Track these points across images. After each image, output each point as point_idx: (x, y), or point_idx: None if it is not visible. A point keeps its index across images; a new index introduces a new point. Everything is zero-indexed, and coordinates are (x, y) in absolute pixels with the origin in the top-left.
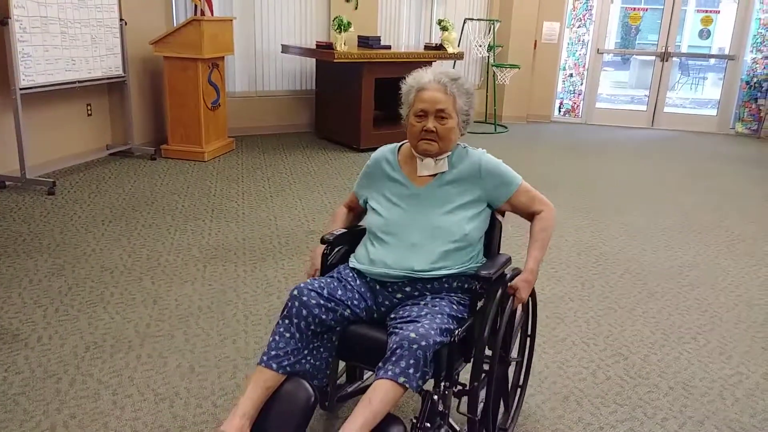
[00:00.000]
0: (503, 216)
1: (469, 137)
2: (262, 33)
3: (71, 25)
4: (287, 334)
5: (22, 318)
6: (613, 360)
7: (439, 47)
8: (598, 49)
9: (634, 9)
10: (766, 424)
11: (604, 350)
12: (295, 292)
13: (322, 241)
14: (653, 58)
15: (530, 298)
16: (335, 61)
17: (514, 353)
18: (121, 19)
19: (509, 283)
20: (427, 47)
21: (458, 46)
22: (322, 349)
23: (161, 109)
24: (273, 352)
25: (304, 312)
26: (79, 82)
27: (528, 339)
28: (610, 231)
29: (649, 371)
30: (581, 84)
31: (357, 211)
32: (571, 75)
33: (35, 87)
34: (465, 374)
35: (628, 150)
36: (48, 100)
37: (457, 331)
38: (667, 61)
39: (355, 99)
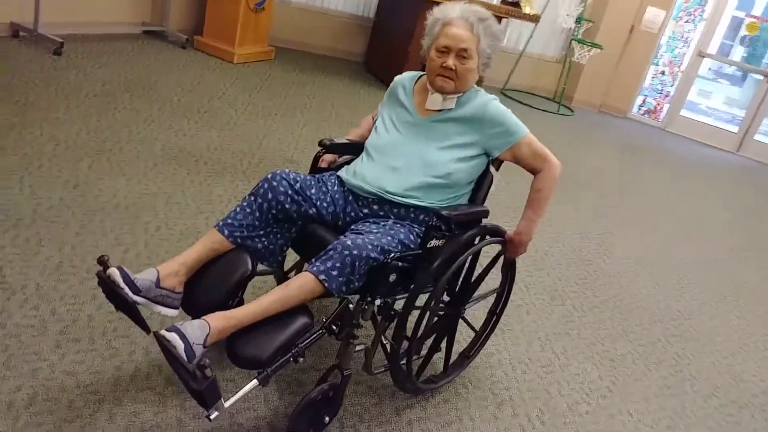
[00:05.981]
0: (497, 170)
1: (525, 110)
2: None
3: None
4: (248, 210)
5: None
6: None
7: (515, 4)
8: (700, 52)
9: (754, 17)
10: None
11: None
12: (269, 176)
13: (320, 143)
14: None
15: (509, 274)
16: None
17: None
18: None
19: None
20: (504, 1)
21: (543, 10)
22: (279, 236)
23: None
24: (229, 221)
25: (270, 195)
26: None
27: (494, 317)
28: (615, 251)
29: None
30: (671, 85)
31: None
32: (663, 72)
33: None
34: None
35: (694, 171)
36: None
37: (392, 254)
38: None
39: (407, 37)
